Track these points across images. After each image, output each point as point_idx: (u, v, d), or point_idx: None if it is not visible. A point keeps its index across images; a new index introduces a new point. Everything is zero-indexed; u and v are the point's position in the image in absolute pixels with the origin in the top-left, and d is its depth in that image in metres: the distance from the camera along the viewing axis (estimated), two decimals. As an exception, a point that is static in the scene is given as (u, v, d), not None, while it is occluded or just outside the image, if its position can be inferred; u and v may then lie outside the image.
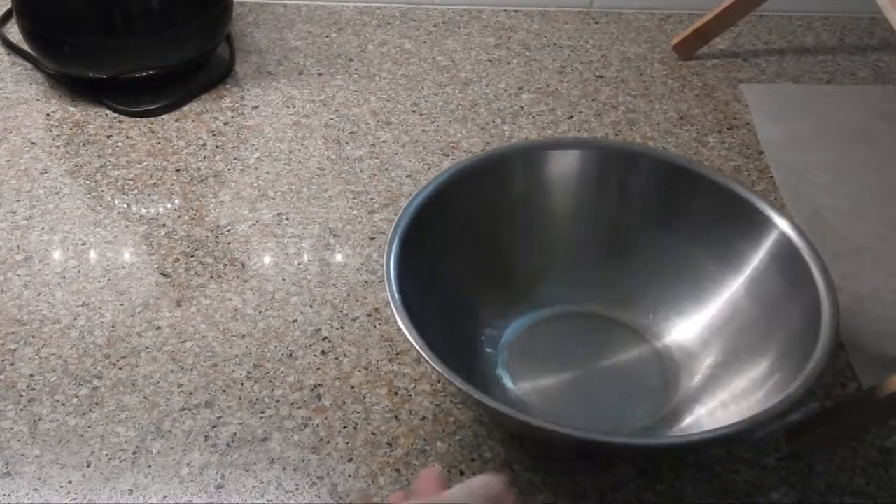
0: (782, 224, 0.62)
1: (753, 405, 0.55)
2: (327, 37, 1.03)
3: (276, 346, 0.66)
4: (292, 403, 0.62)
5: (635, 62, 1.00)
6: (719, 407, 0.59)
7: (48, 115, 0.89)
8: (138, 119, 0.89)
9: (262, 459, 0.58)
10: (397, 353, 0.65)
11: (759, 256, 0.63)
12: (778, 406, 0.51)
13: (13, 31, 0.99)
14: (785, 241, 0.62)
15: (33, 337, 0.67)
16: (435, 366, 0.52)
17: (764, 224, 0.63)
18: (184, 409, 0.62)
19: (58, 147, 0.85)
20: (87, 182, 0.81)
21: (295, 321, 0.68)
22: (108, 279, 0.71)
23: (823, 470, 0.59)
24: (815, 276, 0.58)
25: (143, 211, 0.78)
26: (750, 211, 0.64)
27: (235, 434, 0.60)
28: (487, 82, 0.96)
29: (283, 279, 0.71)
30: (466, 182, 0.66)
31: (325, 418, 0.61)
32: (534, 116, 0.91)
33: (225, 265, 0.73)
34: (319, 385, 0.63)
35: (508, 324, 0.67)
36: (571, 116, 0.91)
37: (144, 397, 0.62)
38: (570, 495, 0.57)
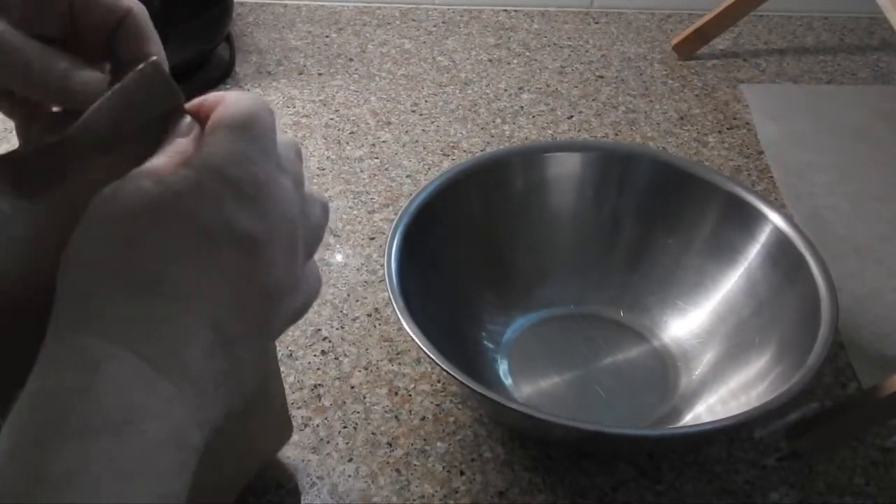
0: (778, 220, 0.62)
1: (754, 400, 0.55)
2: (327, 37, 1.03)
3: (276, 346, 0.66)
4: (292, 403, 0.62)
5: (635, 62, 1.01)
6: (719, 402, 0.59)
7: (48, 115, 0.89)
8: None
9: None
10: (397, 353, 0.65)
11: (755, 252, 0.63)
12: (780, 397, 0.51)
13: (13, 31, 0.99)
14: (781, 236, 0.62)
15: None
16: (438, 363, 0.52)
17: (760, 221, 0.63)
18: (184, 409, 0.61)
19: (58, 147, 0.85)
20: (87, 182, 0.81)
21: (295, 321, 0.68)
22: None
23: (823, 470, 0.59)
24: (812, 270, 0.59)
25: (143, 211, 0.78)
26: (747, 209, 0.64)
27: (235, 434, 0.60)
28: (487, 82, 0.96)
29: (283, 279, 0.71)
30: (467, 182, 0.66)
31: (325, 418, 0.61)
32: (534, 116, 0.91)
33: (225, 265, 0.73)
34: (319, 385, 0.63)
35: (509, 324, 0.67)
36: (571, 116, 0.91)
37: (144, 397, 0.62)
38: (570, 495, 0.57)
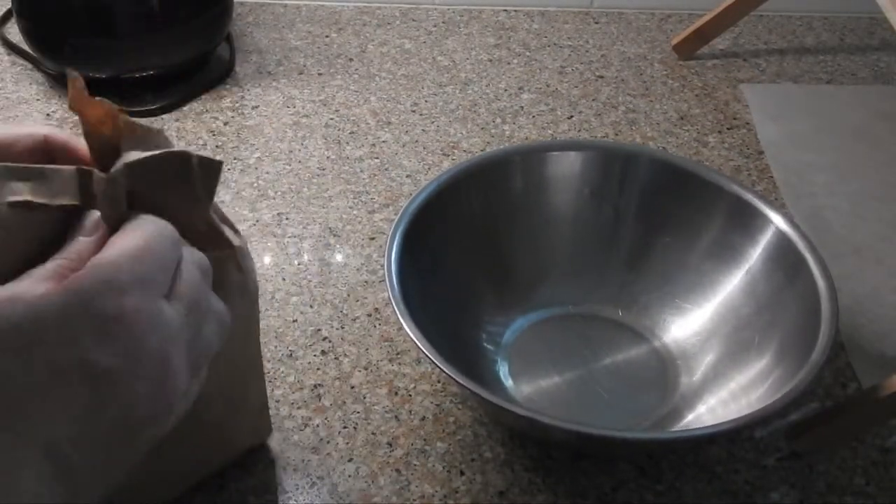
0: (778, 220, 0.62)
1: (754, 401, 0.55)
2: (327, 37, 1.03)
3: (276, 346, 0.66)
4: (292, 403, 0.62)
5: (635, 62, 1.01)
6: (720, 403, 0.59)
7: (48, 115, 0.89)
8: (138, 119, 0.89)
9: (263, 459, 0.58)
10: (397, 353, 0.65)
11: (756, 253, 0.63)
12: (782, 399, 0.51)
13: (13, 32, 0.99)
14: (781, 236, 0.62)
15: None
16: (438, 364, 0.52)
17: (760, 221, 0.63)
18: (184, 409, 0.61)
19: (58, 147, 0.85)
20: (87, 182, 0.81)
21: (295, 321, 0.68)
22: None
23: (823, 470, 0.59)
24: (812, 270, 0.59)
25: (143, 211, 0.78)
26: (747, 209, 0.64)
27: (235, 434, 0.60)
28: (487, 82, 0.96)
29: (283, 279, 0.71)
30: (467, 182, 0.66)
31: (325, 418, 0.61)
32: (534, 116, 0.91)
33: (225, 265, 0.73)
34: (319, 385, 0.63)
35: (509, 324, 0.67)
36: (571, 116, 0.91)
37: (144, 397, 0.62)
38: (570, 495, 0.57)
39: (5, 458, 0.30)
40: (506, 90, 0.95)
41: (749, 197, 0.64)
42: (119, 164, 0.36)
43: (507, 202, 0.68)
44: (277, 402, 0.62)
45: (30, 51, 0.92)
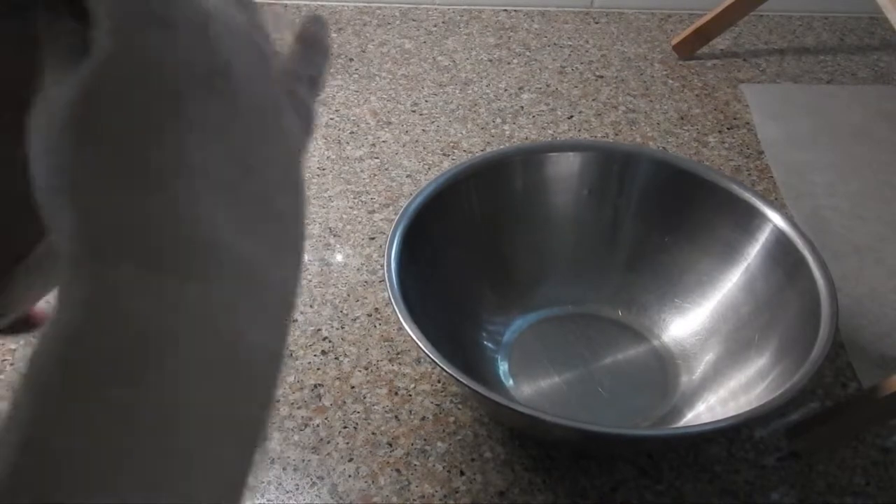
0: (778, 220, 0.62)
1: (754, 399, 0.55)
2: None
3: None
4: (292, 403, 0.62)
5: (635, 62, 1.01)
6: (719, 402, 0.59)
7: (48, 115, 0.89)
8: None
9: (262, 459, 0.58)
10: (397, 353, 0.65)
11: (755, 252, 0.63)
12: (781, 397, 0.51)
13: (13, 32, 0.99)
14: (781, 236, 0.62)
15: (34, 337, 0.66)
16: (439, 363, 0.52)
17: (760, 220, 0.63)
18: (184, 409, 0.61)
19: (58, 147, 0.85)
20: (88, 182, 0.81)
21: (295, 321, 0.68)
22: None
23: (823, 470, 0.59)
24: (812, 270, 0.59)
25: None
26: (747, 209, 0.64)
27: (235, 434, 0.60)
28: (487, 82, 0.96)
29: (283, 279, 0.71)
30: (467, 182, 0.66)
31: (325, 418, 0.61)
32: (534, 116, 0.91)
33: (225, 265, 0.73)
34: (319, 385, 0.63)
35: (509, 324, 0.67)
36: (571, 116, 0.91)
37: (144, 397, 0.62)
38: (570, 495, 0.57)
39: (180, 223, 0.25)
40: (506, 90, 0.95)
41: (748, 196, 0.64)
42: None
43: (507, 202, 0.68)
44: (277, 402, 0.62)
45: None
